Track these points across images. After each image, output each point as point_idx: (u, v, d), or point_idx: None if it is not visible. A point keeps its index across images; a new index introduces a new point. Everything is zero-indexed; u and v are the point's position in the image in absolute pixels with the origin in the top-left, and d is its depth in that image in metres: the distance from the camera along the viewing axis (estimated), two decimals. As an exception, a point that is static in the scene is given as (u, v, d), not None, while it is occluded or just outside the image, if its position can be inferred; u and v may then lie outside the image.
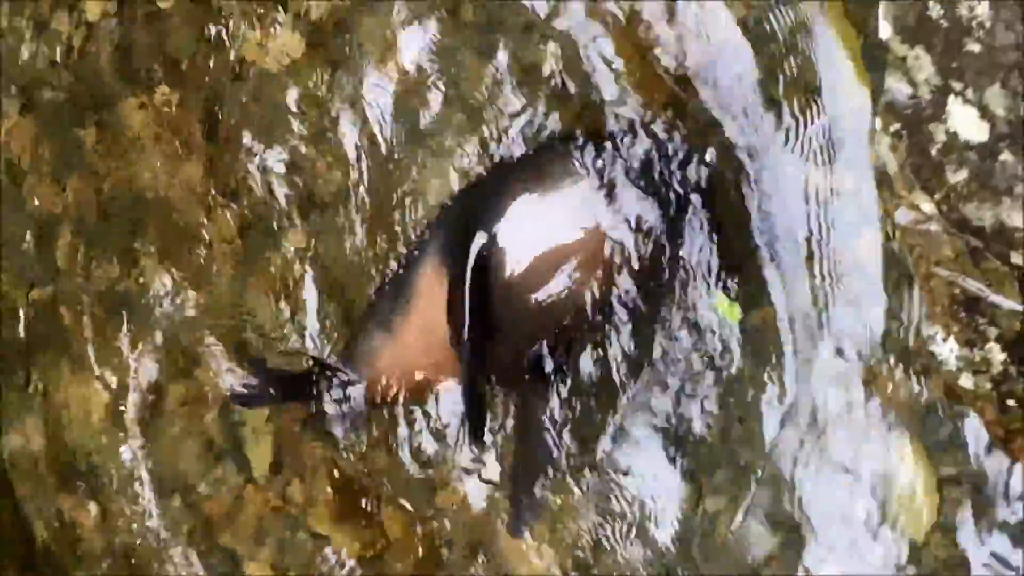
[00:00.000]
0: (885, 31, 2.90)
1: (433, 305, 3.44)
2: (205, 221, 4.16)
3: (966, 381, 2.99)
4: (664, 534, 3.53)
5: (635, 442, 3.56)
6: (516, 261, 3.29)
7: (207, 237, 4.15)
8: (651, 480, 3.54)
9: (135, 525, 4.25)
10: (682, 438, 3.50)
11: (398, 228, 3.88)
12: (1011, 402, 2.95)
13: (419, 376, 3.59)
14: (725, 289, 3.41)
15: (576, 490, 3.62)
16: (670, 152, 3.32)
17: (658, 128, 3.40)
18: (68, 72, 4.39)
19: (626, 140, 3.36)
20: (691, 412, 3.48)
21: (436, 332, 3.44)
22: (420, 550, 3.93)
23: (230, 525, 4.19)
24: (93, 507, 4.30)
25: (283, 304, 4.05)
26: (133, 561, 4.26)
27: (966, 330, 2.95)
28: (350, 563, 3.99)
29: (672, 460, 3.52)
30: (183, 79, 4.21)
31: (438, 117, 3.81)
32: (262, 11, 4.07)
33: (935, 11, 2.82)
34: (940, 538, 3.17)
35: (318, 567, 4.04)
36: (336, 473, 4.00)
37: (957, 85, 2.79)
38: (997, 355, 2.92)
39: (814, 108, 3.30)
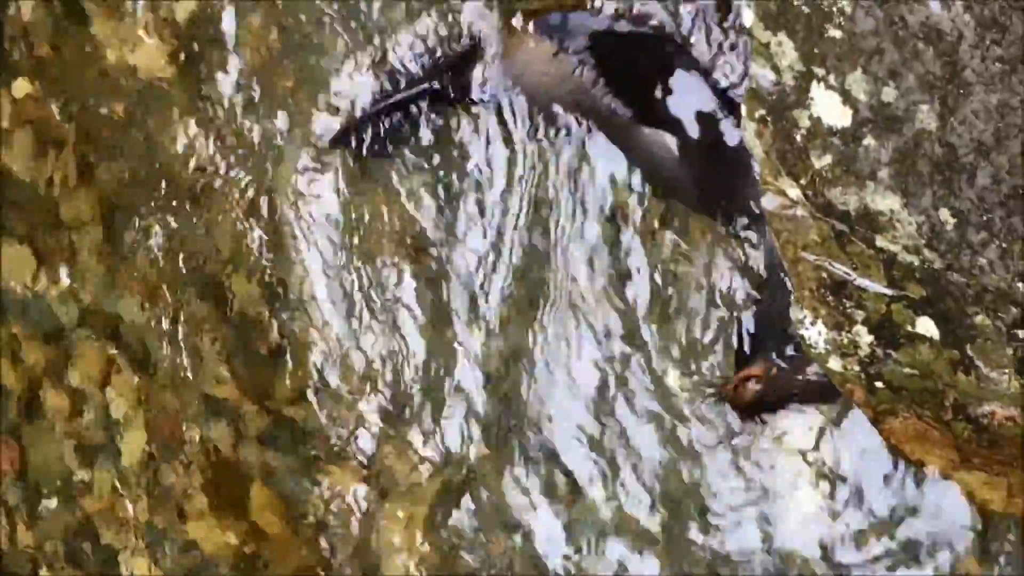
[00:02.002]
0: (748, 18, 2.90)
1: None
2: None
3: (835, 364, 3.02)
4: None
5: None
6: None
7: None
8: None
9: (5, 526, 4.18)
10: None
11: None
12: (879, 384, 2.98)
13: None
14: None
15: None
16: None
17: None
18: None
19: None
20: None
21: None
22: (299, 546, 3.90)
23: (108, 521, 4.12)
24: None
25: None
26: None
27: (834, 313, 2.97)
28: (226, 557, 3.95)
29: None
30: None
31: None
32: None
33: (797, -4, 2.83)
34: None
35: (194, 561, 4.00)
36: (213, 460, 3.95)
37: (820, 71, 2.79)
38: (864, 337, 2.95)
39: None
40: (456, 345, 3.71)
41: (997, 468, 3.01)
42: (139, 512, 4.08)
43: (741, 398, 3.25)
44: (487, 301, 3.68)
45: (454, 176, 3.70)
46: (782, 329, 3.18)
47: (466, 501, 3.70)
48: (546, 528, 3.60)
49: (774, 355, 3.22)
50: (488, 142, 3.65)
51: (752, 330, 3.31)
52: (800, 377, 3.19)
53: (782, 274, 3.11)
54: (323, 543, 3.87)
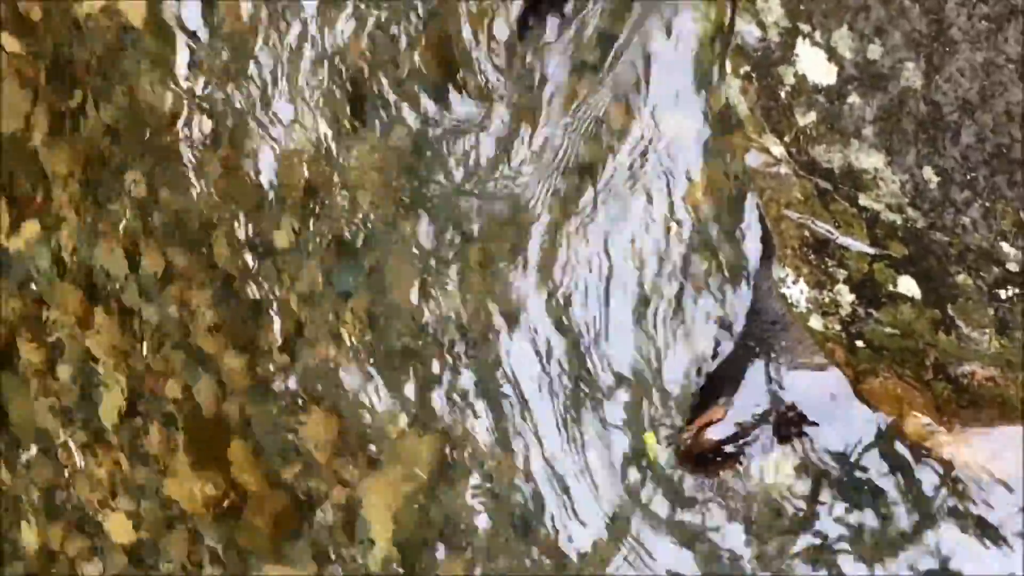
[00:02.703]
0: (734, -28, 2.89)
1: None
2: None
3: (816, 323, 3.01)
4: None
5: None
6: None
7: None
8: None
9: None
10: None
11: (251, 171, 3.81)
12: (860, 343, 2.97)
13: None
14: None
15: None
16: None
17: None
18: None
19: None
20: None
21: None
22: (278, 500, 3.89)
23: (85, 478, 4.11)
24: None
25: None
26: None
27: (816, 272, 2.96)
28: (204, 513, 3.94)
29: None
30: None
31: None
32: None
33: (784, -49, 2.80)
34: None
35: (174, 517, 3.99)
36: (194, 416, 3.94)
37: (805, 27, 2.77)
38: (846, 297, 2.94)
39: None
40: (434, 301, 3.70)
41: (977, 428, 3.00)
42: (117, 467, 4.07)
43: (701, 446, 3.10)
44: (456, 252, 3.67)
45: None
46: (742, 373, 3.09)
47: (449, 454, 3.69)
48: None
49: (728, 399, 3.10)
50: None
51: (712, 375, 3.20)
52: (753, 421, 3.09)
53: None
54: (301, 495, 3.86)
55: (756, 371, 3.10)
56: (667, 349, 3.33)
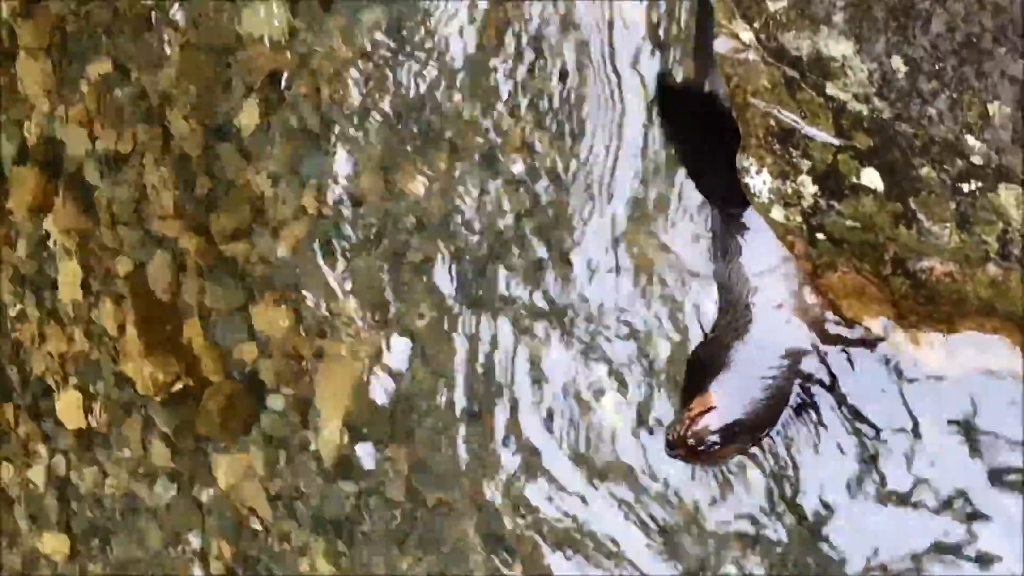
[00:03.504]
0: None
1: None
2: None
3: (777, 214, 2.98)
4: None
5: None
6: None
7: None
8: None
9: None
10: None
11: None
12: (820, 235, 2.95)
13: None
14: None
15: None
16: None
17: None
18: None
19: None
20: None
21: None
22: (233, 384, 3.87)
23: (39, 353, 4.09)
24: None
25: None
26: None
27: (779, 162, 2.93)
28: (157, 393, 3.92)
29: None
30: None
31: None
32: None
33: None
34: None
35: (126, 396, 3.97)
36: (149, 297, 3.91)
37: (779, -91, 2.73)
38: (809, 188, 2.91)
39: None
40: (399, 190, 3.67)
41: (933, 325, 3.00)
42: (72, 345, 4.04)
43: (699, 436, 2.91)
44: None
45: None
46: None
47: (399, 345, 3.68)
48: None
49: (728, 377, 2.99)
50: None
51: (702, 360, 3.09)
52: (756, 401, 2.99)
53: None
54: (255, 382, 3.84)
55: (738, 355, 3.05)
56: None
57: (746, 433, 3.00)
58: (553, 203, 3.49)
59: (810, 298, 3.05)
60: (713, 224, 3.22)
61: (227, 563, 3.89)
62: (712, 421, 2.92)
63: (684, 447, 2.92)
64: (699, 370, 3.03)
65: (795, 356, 3.03)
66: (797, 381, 3.05)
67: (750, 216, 3.06)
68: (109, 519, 4.03)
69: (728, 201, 3.07)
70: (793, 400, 3.05)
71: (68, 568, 4.08)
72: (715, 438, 2.93)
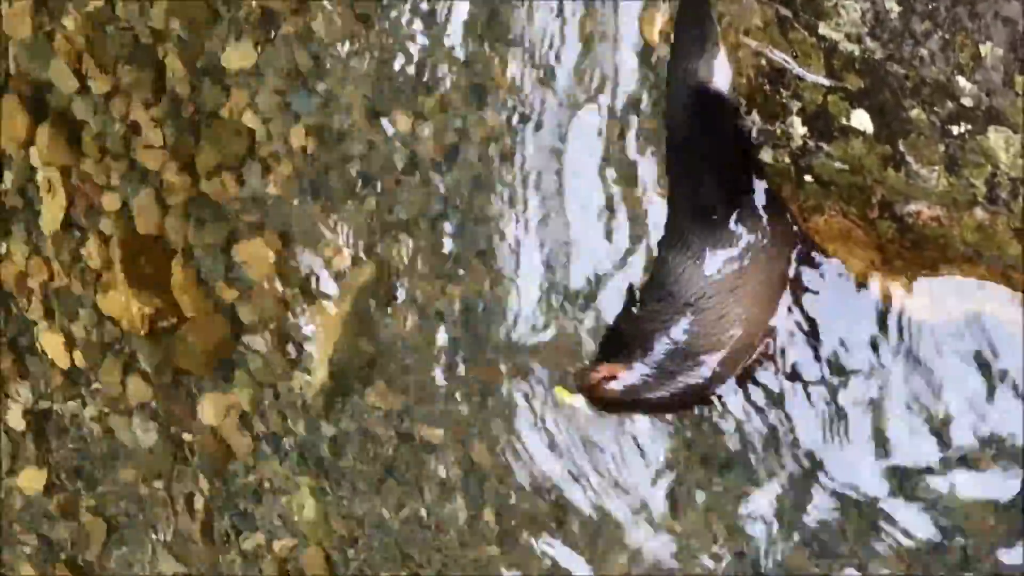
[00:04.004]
0: None
1: None
2: None
3: (766, 155, 2.97)
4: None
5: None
6: None
7: None
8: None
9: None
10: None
11: None
12: (808, 178, 2.94)
13: None
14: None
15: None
16: None
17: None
18: None
19: None
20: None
21: None
22: (217, 322, 3.87)
23: (21, 289, 4.06)
24: None
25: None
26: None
27: (769, 103, 2.92)
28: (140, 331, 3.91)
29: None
30: None
31: None
32: None
33: None
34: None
35: (109, 334, 3.96)
36: (134, 232, 3.89)
37: None
38: (798, 129, 2.90)
39: None
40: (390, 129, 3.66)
41: (918, 271, 3.00)
42: (55, 282, 4.02)
43: (599, 394, 3.09)
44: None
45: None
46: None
47: (387, 285, 3.67)
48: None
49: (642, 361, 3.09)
50: None
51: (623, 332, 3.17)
52: (664, 388, 3.10)
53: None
54: (240, 321, 3.83)
55: (658, 347, 3.08)
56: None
57: (646, 411, 3.25)
58: (544, 146, 3.48)
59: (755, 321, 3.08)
60: (679, 219, 3.15)
61: (208, 501, 3.89)
62: (612, 390, 3.07)
63: (585, 395, 3.10)
64: (618, 340, 3.13)
65: (722, 368, 3.10)
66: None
67: (725, 229, 3.05)
68: (88, 456, 4.03)
69: (711, 207, 3.06)
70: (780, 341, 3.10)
71: (43, 501, 4.07)
72: (611, 406, 3.14)
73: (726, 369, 3.11)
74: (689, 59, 3.03)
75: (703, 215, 3.05)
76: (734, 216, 3.04)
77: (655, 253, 3.22)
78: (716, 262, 3.05)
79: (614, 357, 3.09)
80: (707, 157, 3.05)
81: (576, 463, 3.46)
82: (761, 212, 3.04)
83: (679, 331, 3.07)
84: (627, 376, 3.07)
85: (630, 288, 3.20)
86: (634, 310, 3.13)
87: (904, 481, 3.18)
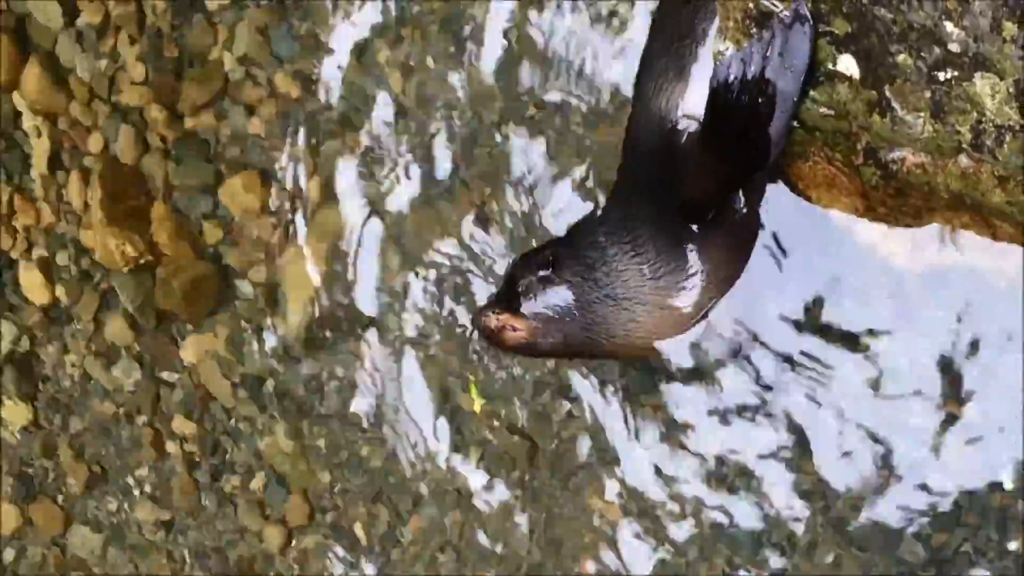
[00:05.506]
0: None
1: None
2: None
3: (752, 100, 2.96)
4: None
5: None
6: None
7: None
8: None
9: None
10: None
11: None
12: (794, 123, 2.93)
13: None
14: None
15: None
16: None
17: None
18: None
19: None
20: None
21: None
22: (198, 263, 3.85)
23: (5, 228, 4.04)
24: None
25: None
26: None
27: (756, 46, 2.90)
28: (122, 269, 3.90)
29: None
30: None
31: None
32: None
33: None
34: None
35: (90, 270, 3.95)
36: (116, 171, 3.87)
37: None
38: (783, 73, 2.89)
39: None
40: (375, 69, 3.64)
41: (901, 219, 2.99)
42: (39, 220, 4.00)
43: (500, 340, 3.10)
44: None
45: None
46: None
47: (371, 228, 3.66)
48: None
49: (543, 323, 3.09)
50: None
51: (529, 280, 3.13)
52: (557, 347, 3.11)
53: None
54: (222, 263, 3.82)
55: (567, 308, 3.08)
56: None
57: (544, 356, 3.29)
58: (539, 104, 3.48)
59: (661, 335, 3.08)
60: (639, 224, 3.09)
61: (189, 441, 3.89)
62: (510, 340, 3.08)
63: (483, 335, 3.12)
64: (520, 288, 3.09)
65: (613, 353, 3.17)
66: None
67: (685, 255, 3.03)
68: (70, 394, 4.01)
69: (679, 231, 3.04)
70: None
71: (26, 438, 4.06)
72: (507, 350, 3.14)
73: (617, 355, 3.20)
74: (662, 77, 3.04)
75: (669, 233, 3.03)
76: (697, 246, 3.02)
77: (582, 228, 3.19)
78: (663, 278, 3.03)
79: (516, 307, 3.07)
80: (678, 179, 3.01)
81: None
82: (723, 251, 3.04)
83: (591, 315, 3.05)
84: (529, 331, 3.06)
85: (544, 251, 3.17)
86: (543, 272, 3.09)
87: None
